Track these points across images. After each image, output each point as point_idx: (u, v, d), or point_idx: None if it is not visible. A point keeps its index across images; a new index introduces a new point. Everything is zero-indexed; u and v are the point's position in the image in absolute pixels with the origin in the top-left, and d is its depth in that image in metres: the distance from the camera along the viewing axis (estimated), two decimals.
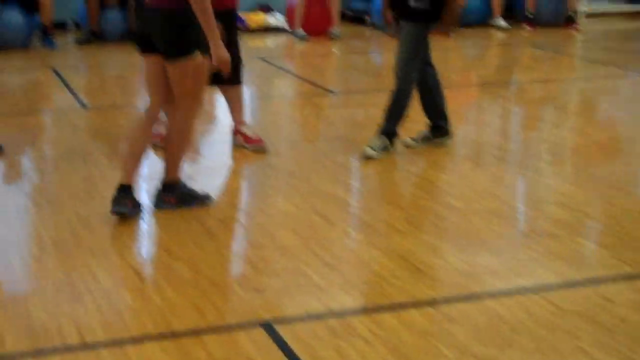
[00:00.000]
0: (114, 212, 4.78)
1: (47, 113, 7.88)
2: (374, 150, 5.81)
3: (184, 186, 5.02)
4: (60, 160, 6.03)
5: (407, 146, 6.07)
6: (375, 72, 9.63)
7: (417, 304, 3.85)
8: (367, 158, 5.80)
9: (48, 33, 10.41)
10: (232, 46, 5.36)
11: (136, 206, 4.85)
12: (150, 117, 4.93)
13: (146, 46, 4.77)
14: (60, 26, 11.27)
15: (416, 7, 5.68)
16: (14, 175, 5.85)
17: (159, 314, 3.76)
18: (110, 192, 4.84)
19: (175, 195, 4.96)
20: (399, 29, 5.88)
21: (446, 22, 5.73)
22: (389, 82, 5.96)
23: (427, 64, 5.94)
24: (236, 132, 6.16)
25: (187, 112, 4.83)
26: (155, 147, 5.66)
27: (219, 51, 4.64)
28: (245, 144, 6.08)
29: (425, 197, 5.24)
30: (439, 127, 6.10)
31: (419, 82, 5.91)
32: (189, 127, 4.89)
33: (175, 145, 4.93)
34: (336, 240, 4.65)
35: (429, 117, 6.11)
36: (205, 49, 4.65)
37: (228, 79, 5.30)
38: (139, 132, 4.91)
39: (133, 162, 4.88)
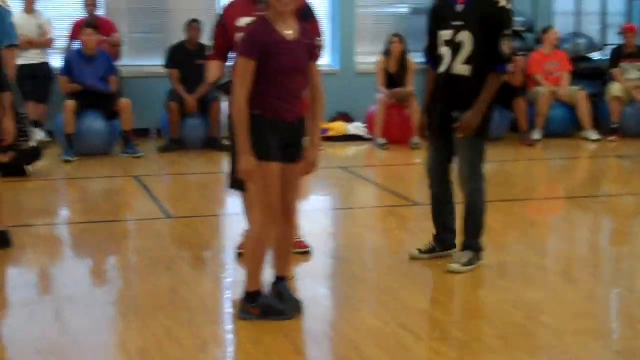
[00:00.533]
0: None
1: (131, 221, 7.92)
2: (460, 265, 5.71)
3: (267, 297, 4.96)
4: (145, 269, 6.03)
5: (413, 258, 6.02)
6: None
7: None
8: (453, 273, 5.69)
9: (130, 140, 10.58)
10: None
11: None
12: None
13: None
14: (142, 133, 11.47)
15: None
16: (100, 283, 5.83)
17: None
18: (194, 302, 4.79)
19: (258, 305, 4.89)
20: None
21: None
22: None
23: (447, 177, 5.95)
24: None
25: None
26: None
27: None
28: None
29: (517, 313, 5.08)
30: (443, 240, 6.02)
31: (436, 191, 5.94)
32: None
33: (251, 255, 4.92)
34: (425, 359, 4.51)
35: (436, 227, 6.05)
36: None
37: None
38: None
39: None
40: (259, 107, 4.72)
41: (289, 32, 4.76)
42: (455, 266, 5.71)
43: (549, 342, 4.69)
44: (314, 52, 4.93)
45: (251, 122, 4.69)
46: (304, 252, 6.12)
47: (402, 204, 8.25)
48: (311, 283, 5.75)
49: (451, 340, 4.74)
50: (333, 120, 11.92)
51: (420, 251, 6.04)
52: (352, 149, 11.45)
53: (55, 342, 4.70)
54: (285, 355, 4.46)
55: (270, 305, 4.91)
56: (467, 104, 5.61)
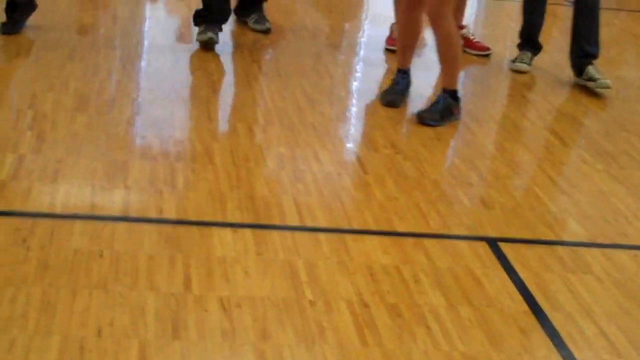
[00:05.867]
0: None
1: None
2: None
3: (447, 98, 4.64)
4: (290, 34, 5.91)
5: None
6: None
7: None
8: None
9: None
10: None
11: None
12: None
13: None
14: None
15: None
16: (248, 43, 5.74)
17: (381, 210, 3.59)
18: (337, 74, 4.68)
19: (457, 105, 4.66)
20: None
21: None
22: None
23: None
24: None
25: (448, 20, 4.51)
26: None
27: None
28: (468, 49, 5.77)
29: None
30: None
31: None
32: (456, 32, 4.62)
33: (446, 54, 4.60)
34: (572, 166, 4.34)
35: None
36: None
37: None
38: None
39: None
40: None
41: None
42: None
43: None
44: None
45: None
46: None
47: None
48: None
49: (600, 152, 4.52)
50: None
51: None
52: None
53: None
54: (427, 140, 4.35)
55: (448, 108, 4.64)
56: None
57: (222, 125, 4.40)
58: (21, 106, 4.22)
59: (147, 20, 6.22)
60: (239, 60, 5.36)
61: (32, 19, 5.41)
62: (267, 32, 5.79)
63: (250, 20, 5.84)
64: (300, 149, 4.09)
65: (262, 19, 5.85)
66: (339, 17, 6.69)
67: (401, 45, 4.84)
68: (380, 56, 5.63)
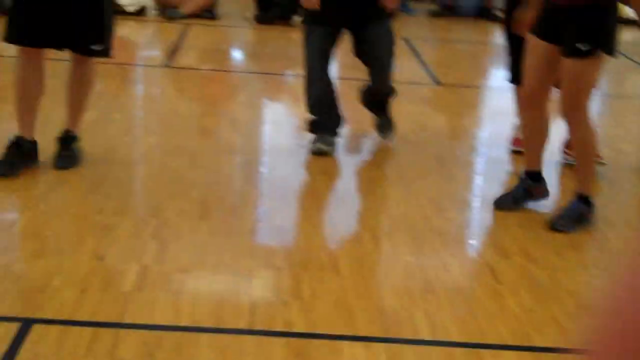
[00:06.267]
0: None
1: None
2: None
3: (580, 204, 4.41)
4: (411, 134, 5.81)
5: None
6: None
7: None
8: None
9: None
10: None
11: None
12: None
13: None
14: None
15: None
16: (369, 146, 5.65)
17: (517, 322, 3.40)
18: (461, 177, 4.56)
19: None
20: None
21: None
22: None
23: None
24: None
25: (586, 117, 4.26)
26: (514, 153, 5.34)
27: None
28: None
29: None
30: None
31: None
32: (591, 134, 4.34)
33: (581, 156, 4.37)
34: None
35: None
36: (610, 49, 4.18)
37: None
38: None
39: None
40: None
41: None
42: None
43: None
44: None
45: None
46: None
47: None
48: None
49: None
50: None
51: None
52: (629, 34, 10.70)
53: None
54: (561, 249, 4.15)
55: (582, 214, 4.41)
56: None
57: (347, 232, 4.28)
58: (144, 214, 4.20)
59: (266, 123, 6.22)
60: (361, 163, 5.29)
61: (154, 125, 5.45)
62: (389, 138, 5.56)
63: (374, 125, 5.63)
64: (428, 258, 3.94)
65: (386, 124, 5.57)
66: (457, 115, 6.59)
67: (527, 146, 4.65)
68: (504, 156, 5.46)
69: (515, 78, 4.91)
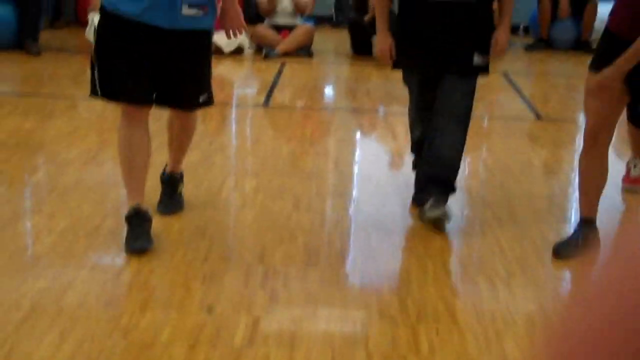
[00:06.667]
0: None
1: (499, 119, 7.52)
2: None
3: None
4: (518, 172, 5.61)
5: None
6: None
7: None
8: None
9: None
10: None
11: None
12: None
13: None
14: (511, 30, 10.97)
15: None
16: (475, 184, 5.47)
17: None
18: (574, 216, 4.35)
19: None
20: None
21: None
22: None
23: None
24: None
25: None
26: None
27: None
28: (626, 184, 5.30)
29: None
30: None
31: None
32: None
33: None
34: None
35: None
36: None
37: None
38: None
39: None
40: None
41: None
42: None
43: None
44: None
45: None
46: None
47: None
48: None
49: None
50: None
51: None
52: None
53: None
54: None
55: None
56: None
57: (462, 279, 4.09)
58: (251, 261, 4.07)
59: (358, 150, 6.10)
60: (467, 201, 5.10)
61: (255, 167, 5.35)
62: (443, 219, 4.51)
63: (427, 206, 4.53)
64: (549, 304, 3.73)
65: (441, 201, 4.50)
66: (552, 149, 6.37)
67: (582, 190, 4.31)
68: (616, 195, 5.22)
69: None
